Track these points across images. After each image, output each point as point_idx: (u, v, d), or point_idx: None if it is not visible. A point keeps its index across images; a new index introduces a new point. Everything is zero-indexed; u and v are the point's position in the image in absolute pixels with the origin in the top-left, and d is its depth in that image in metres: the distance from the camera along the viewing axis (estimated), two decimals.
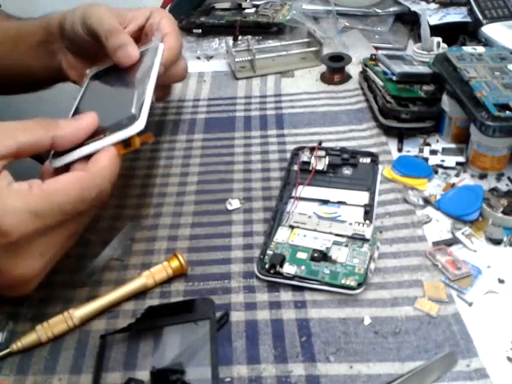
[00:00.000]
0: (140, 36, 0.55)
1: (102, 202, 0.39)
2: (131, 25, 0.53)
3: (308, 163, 0.55)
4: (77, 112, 0.45)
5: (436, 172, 0.55)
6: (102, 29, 0.49)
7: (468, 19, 0.75)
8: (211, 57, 0.82)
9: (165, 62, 0.50)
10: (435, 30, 0.71)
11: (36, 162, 0.67)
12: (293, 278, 0.43)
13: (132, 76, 0.48)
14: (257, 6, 0.88)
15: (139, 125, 0.39)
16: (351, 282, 0.42)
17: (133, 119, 0.40)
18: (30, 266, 0.36)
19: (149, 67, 0.47)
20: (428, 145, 0.59)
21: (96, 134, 0.40)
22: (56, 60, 0.55)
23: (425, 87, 0.60)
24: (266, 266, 0.44)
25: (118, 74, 0.50)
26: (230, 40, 0.81)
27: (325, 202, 0.51)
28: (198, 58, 0.81)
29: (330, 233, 0.47)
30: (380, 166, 0.55)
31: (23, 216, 0.33)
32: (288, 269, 0.44)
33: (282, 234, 0.47)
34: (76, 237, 0.39)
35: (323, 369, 0.38)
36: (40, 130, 0.37)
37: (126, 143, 0.40)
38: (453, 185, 0.53)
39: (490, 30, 0.69)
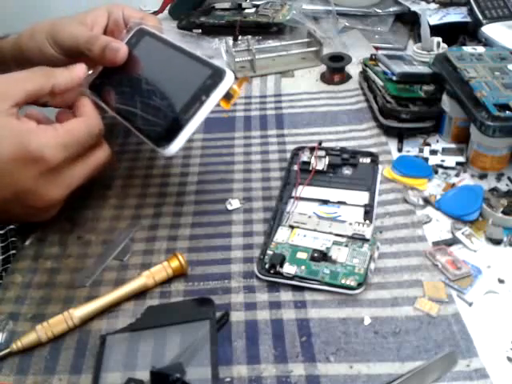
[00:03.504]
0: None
1: (102, 141, 0.47)
2: (95, 28, 0.53)
3: (308, 163, 0.55)
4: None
5: (436, 172, 0.55)
6: (80, 43, 0.49)
7: (468, 19, 0.75)
8: (211, 57, 0.82)
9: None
10: (435, 29, 0.71)
11: None
12: (293, 278, 0.43)
13: (148, 55, 0.49)
14: (257, 6, 0.88)
15: (230, 74, 0.42)
16: (351, 282, 0.42)
17: (220, 73, 0.42)
18: (59, 193, 0.44)
19: (155, 40, 0.49)
20: (428, 145, 0.59)
21: (178, 109, 0.43)
22: None
23: (425, 87, 0.60)
24: (266, 266, 0.44)
25: (125, 67, 0.49)
26: (230, 40, 0.81)
27: (325, 201, 0.51)
28: None
29: (330, 233, 0.47)
30: (380, 166, 0.55)
31: (56, 148, 0.42)
32: (288, 269, 0.44)
33: (282, 234, 0.47)
34: (89, 177, 0.46)
35: (323, 369, 0.38)
36: (42, 78, 0.45)
37: (227, 96, 0.43)
38: (453, 185, 0.53)
39: (490, 29, 0.69)
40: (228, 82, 0.42)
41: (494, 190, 0.51)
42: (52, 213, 0.47)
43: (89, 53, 0.49)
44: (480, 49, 0.60)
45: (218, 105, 0.43)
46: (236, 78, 0.44)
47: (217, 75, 0.42)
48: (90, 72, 0.51)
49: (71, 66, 0.47)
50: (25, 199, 0.43)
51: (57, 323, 0.41)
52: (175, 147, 0.42)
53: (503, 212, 0.47)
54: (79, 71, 0.47)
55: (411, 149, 0.58)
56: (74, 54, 0.50)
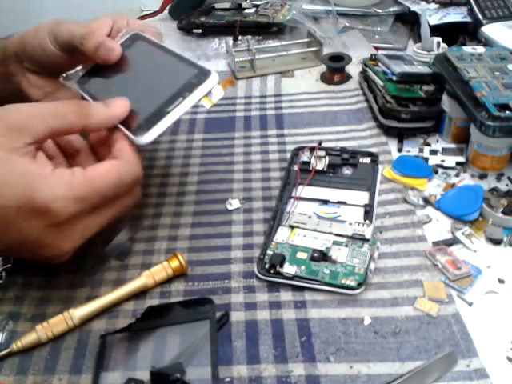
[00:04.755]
0: None
1: (136, 187, 0.42)
2: (97, 33, 0.53)
3: (308, 163, 0.55)
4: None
5: (436, 172, 0.55)
6: (75, 37, 0.49)
7: (468, 19, 0.75)
8: (211, 57, 0.82)
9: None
10: (435, 30, 0.71)
11: None
12: (293, 278, 0.43)
13: (136, 57, 0.49)
14: (257, 6, 0.88)
15: (215, 75, 0.44)
16: (351, 282, 0.42)
17: (205, 73, 0.44)
18: (69, 245, 0.39)
19: (147, 44, 0.50)
20: (428, 145, 0.59)
21: (158, 104, 0.43)
22: (14, 82, 0.55)
23: (425, 87, 0.60)
24: (266, 266, 0.44)
25: (116, 65, 0.50)
26: (230, 40, 0.81)
27: (325, 201, 0.51)
28: (198, 58, 0.81)
29: (330, 233, 0.47)
30: (380, 166, 0.55)
31: (69, 200, 0.37)
32: (288, 269, 0.44)
33: (282, 234, 0.47)
34: (108, 224, 0.42)
35: (323, 369, 0.38)
36: (72, 116, 0.39)
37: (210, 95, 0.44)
38: (453, 185, 0.53)
39: (490, 29, 0.69)
40: (212, 82, 0.44)
41: (493, 189, 0.51)
42: (63, 259, 0.41)
43: (81, 47, 0.48)
44: (480, 49, 0.60)
45: (200, 103, 0.45)
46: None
47: (202, 75, 0.44)
48: (80, 67, 0.52)
49: (110, 102, 0.42)
50: (31, 248, 0.39)
51: (57, 323, 0.41)
52: (150, 136, 0.42)
53: (503, 212, 0.47)
54: (119, 110, 0.42)
55: (411, 149, 0.58)
56: (69, 48, 0.50)
